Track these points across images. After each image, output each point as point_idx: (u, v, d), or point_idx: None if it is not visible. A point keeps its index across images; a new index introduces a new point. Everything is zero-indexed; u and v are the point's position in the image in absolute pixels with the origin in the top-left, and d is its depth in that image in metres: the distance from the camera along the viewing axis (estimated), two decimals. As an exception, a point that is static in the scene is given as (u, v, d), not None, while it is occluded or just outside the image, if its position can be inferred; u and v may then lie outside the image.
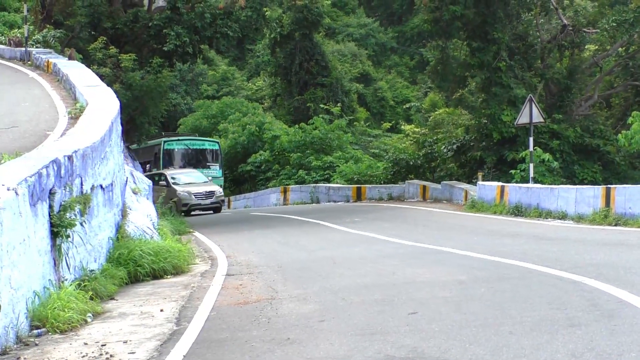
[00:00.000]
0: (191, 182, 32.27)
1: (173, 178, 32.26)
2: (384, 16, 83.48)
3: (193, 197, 30.70)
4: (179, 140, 45.08)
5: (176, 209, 29.24)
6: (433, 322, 11.17)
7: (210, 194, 31.27)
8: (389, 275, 16.63)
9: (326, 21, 62.63)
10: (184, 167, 43.90)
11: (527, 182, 32.37)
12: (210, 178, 35.26)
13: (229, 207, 60.21)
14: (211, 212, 33.14)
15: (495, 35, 43.13)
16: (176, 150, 43.85)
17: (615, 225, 22.78)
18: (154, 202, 27.75)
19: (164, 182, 31.38)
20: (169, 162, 43.25)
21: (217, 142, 48.79)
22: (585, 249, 17.97)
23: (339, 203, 41.50)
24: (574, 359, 8.53)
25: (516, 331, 10.37)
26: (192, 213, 36.52)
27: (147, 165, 45.35)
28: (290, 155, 55.30)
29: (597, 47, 49.75)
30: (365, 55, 77.96)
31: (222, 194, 31.37)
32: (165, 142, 44.31)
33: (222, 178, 45.70)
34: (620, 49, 47.33)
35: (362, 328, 11.21)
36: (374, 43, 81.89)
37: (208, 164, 44.21)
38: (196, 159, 43.76)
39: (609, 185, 26.13)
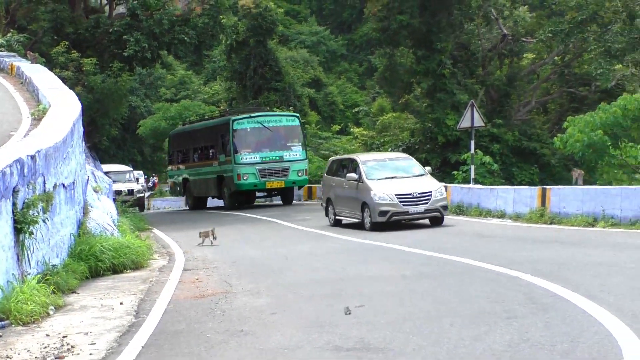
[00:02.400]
0: (394, 175, 22.73)
1: (368, 168, 22.93)
2: (335, 24, 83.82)
3: (397, 200, 21.28)
4: (250, 117, 36.38)
5: (369, 215, 22.21)
6: (379, 315, 11.22)
7: (425, 196, 21.55)
8: (338, 270, 16.64)
9: (280, 29, 62.68)
10: (258, 149, 35.36)
11: (469, 182, 32.47)
12: (426, 169, 24.41)
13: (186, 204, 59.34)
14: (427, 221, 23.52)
15: (440, 44, 43.50)
16: (249, 129, 35.19)
17: (551, 223, 22.99)
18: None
19: (353, 174, 22.84)
20: (241, 145, 35.06)
21: (297, 117, 38.80)
22: (522, 246, 18.15)
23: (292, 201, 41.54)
24: (510, 349, 8.62)
25: (457, 323, 10.43)
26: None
27: (211, 151, 38.25)
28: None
29: (534, 55, 50.48)
30: (317, 62, 78.17)
31: (444, 194, 22.47)
32: (234, 120, 35.49)
33: (306, 161, 37.14)
34: (556, 57, 47.95)
35: (311, 320, 11.26)
36: (325, 50, 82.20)
37: (288, 144, 35.53)
38: (273, 139, 35.43)
39: (544, 187, 26.36)
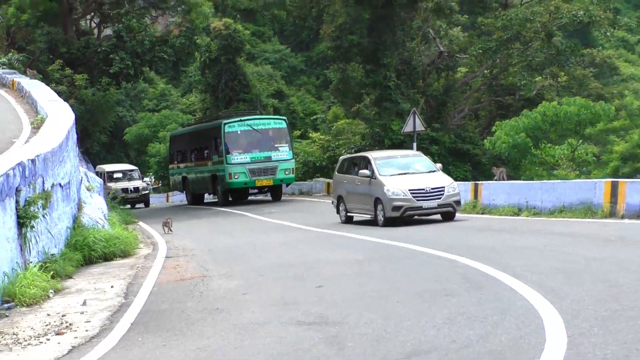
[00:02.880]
0: (406, 171, 21.15)
1: (380, 164, 21.19)
2: (294, 43, 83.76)
3: (409, 195, 19.69)
4: (241, 120, 35.13)
5: (382, 210, 20.44)
6: (336, 294, 11.30)
7: (438, 191, 20.02)
8: (301, 256, 16.70)
9: (247, 47, 62.71)
10: (248, 150, 34.36)
11: None
12: (438, 166, 22.39)
13: (167, 200, 57.43)
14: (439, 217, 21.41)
15: (385, 60, 43.42)
16: (239, 132, 34.16)
17: (482, 213, 23.18)
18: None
19: (366, 172, 21.17)
20: (232, 147, 34.08)
21: (284, 120, 37.79)
22: (459, 234, 18.24)
23: (259, 197, 40.85)
24: (449, 322, 8.69)
25: (402, 300, 10.53)
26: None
27: (206, 152, 37.27)
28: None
29: (467, 69, 50.73)
30: (279, 76, 77.89)
31: (456, 190, 20.74)
32: (225, 124, 34.62)
33: (293, 161, 36.12)
34: (485, 71, 48.13)
35: (278, 299, 11.32)
36: (287, 66, 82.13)
37: (276, 145, 34.54)
38: (262, 141, 34.38)
39: (477, 182, 26.63)
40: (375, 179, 20.71)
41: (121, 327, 10.08)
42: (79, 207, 20.56)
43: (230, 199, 36.42)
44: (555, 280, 11.05)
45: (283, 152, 34.63)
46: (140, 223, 29.56)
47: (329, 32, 45.97)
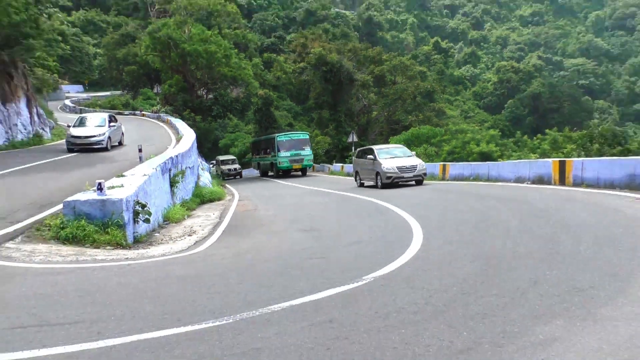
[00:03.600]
0: (395, 156, 23.57)
1: (380, 152, 23.83)
2: (297, 100, 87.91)
3: (397, 170, 22.24)
4: (285, 134, 43.02)
5: (380, 179, 22.38)
6: (317, 215, 13.54)
7: (413, 167, 22.42)
8: (300, 199, 19.17)
9: (275, 103, 73.18)
10: (289, 149, 40.94)
11: (351, 163, 36.50)
12: (413, 153, 24.71)
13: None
14: (413, 183, 22.64)
15: (339, 108, 58.08)
16: (284, 140, 41.71)
17: (446, 181, 24.57)
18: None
19: (371, 156, 23.66)
20: (281, 147, 41.09)
21: (307, 133, 45.20)
22: (401, 191, 19.42)
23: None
24: (370, 228, 10.63)
25: (346, 217, 12.82)
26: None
27: (268, 150, 43.00)
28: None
29: (377, 112, 64.10)
30: (290, 117, 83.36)
31: (425, 167, 22.84)
32: (277, 136, 42.14)
33: (312, 155, 42.25)
34: (385, 113, 61.85)
35: (290, 219, 13.32)
36: (294, 111, 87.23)
37: (303, 147, 41.60)
38: (296, 144, 41.49)
39: (445, 163, 28.52)
40: (376, 160, 22.60)
41: (218, 232, 11.87)
42: (198, 177, 22.66)
43: (280, 173, 40.91)
44: (415, 209, 12.85)
45: (307, 151, 41.06)
46: (227, 185, 32.33)
47: (313, 95, 62.69)
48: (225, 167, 46.24)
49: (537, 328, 4.65)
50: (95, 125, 26.05)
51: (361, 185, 24.23)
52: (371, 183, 23.16)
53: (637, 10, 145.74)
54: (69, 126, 26.73)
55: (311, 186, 26.49)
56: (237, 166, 47.31)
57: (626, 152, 24.39)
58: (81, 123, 26.43)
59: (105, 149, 24.91)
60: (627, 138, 34.29)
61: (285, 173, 40.87)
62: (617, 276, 5.97)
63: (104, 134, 25.37)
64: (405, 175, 21.64)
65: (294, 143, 40.70)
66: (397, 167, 21.70)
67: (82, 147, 24.79)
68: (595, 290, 5.54)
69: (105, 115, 27.43)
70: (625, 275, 5.99)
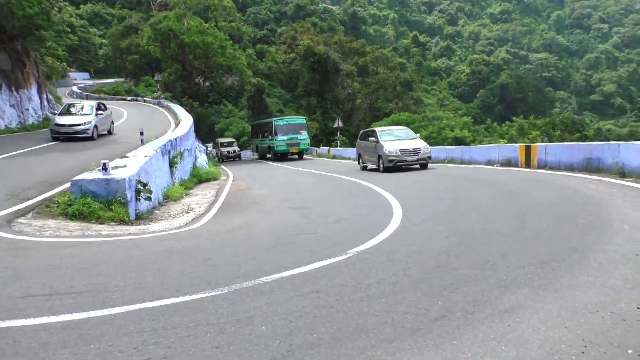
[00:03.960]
0: (398, 138, 20.78)
1: (382, 134, 21.08)
2: (288, 88, 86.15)
3: (399, 153, 19.62)
4: (282, 118, 41.21)
5: (382, 162, 19.90)
6: (307, 196, 13.22)
7: (417, 150, 19.64)
8: (290, 178, 19.09)
9: (266, 90, 71.44)
10: (286, 133, 39.23)
11: (337, 147, 40.26)
12: (417, 135, 21.49)
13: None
14: (417, 167, 19.68)
15: (326, 96, 57.11)
16: (282, 124, 39.95)
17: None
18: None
19: (373, 139, 21.07)
20: (278, 131, 39.45)
21: (304, 118, 43.03)
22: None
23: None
24: (354, 207, 10.46)
25: (332, 196, 12.75)
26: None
27: (266, 133, 41.29)
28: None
29: (360, 100, 63.74)
30: (281, 103, 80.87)
31: (429, 150, 20.10)
32: (274, 120, 40.42)
33: (308, 139, 40.41)
34: (368, 101, 62.05)
35: (281, 198, 13.11)
36: (284, 99, 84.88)
37: (300, 131, 39.83)
38: (293, 128, 39.73)
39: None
40: (379, 143, 20.23)
41: (214, 210, 11.73)
42: (195, 159, 22.37)
43: (278, 156, 39.08)
44: (399, 189, 12.82)
45: (303, 135, 39.14)
46: (222, 166, 31.82)
47: (301, 83, 62.15)
48: (224, 150, 44.89)
49: (504, 297, 4.73)
50: (82, 113, 23.92)
51: (364, 168, 21.79)
52: (374, 166, 20.82)
53: (592, 11, 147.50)
54: (53, 114, 25.29)
55: (303, 168, 26.33)
56: (236, 149, 45.82)
57: (584, 138, 24.62)
58: (67, 111, 24.24)
59: (91, 138, 22.65)
60: (585, 125, 34.82)
61: (283, 156, 39.54)
62: (575, 250, 6.06)
63: (89, 122, 23.07)
64: (409, 158, 19.27)
65: (291, 127, 39.28)
66: (400, 150, 19.41)
67: (67, 135, 22.53)
68: (556, 262, 5.62)
69: (93, 103, 25.37)
70: (582, 249, 6.09)
